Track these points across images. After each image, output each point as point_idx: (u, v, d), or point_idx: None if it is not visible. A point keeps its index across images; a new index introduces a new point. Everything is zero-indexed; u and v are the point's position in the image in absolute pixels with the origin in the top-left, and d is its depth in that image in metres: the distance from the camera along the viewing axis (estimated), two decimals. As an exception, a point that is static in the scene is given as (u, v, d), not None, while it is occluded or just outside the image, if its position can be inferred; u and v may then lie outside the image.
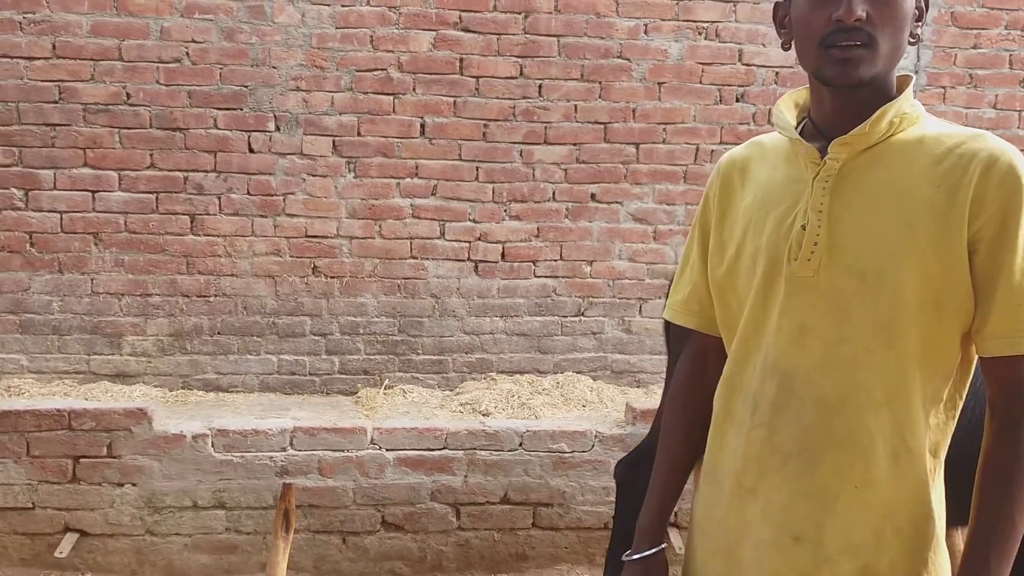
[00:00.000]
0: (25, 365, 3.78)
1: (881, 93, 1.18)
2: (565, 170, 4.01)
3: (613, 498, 2.89)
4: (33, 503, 3.12)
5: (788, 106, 1.29)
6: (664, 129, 4.05)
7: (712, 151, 4.07)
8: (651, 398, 3.67)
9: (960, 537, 2.57)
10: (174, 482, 3.14)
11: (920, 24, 1.21)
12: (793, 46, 1.24)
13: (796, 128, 1.25)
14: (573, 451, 3.31)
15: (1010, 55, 4.20)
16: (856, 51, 1.12)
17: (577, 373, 4.09)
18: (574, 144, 4.00)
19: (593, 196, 4.05)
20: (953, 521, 1.30)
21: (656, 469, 1.42)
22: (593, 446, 3.31)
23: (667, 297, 2.85)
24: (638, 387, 4.08)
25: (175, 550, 3.17)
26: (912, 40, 1.19)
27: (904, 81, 1.23)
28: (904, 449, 1.14)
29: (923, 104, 4.25)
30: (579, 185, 4.03)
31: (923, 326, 1.12)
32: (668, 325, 2.80)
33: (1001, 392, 1.15)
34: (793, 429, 1.17)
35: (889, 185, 1.15)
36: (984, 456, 1.15)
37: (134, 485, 3.14)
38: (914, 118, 1.20)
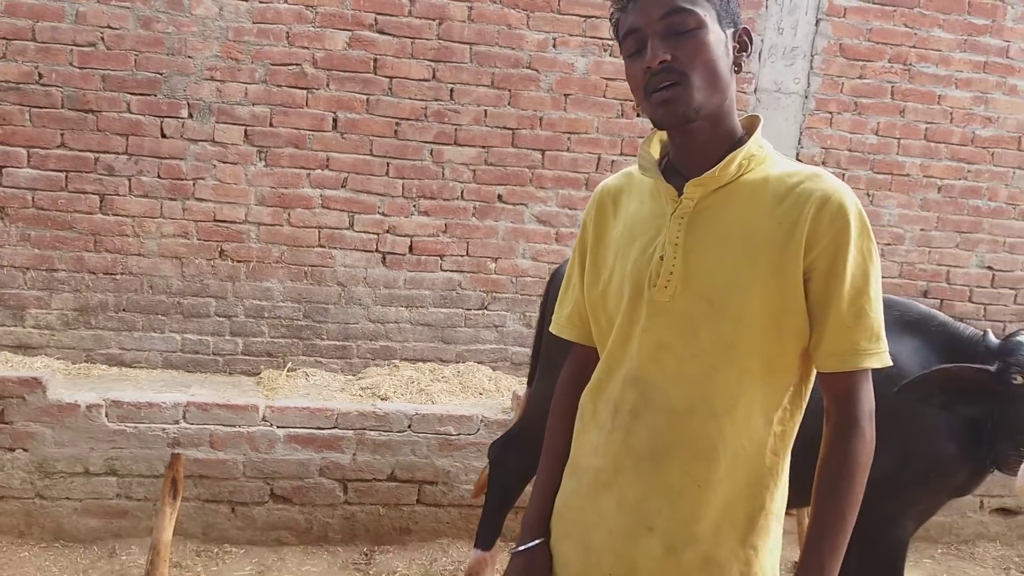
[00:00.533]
0: (-75, 334, 3.84)
1: (723, 131, 1.32)
2: (474, 171, 4.21)
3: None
4: (-78, 465, 3.19)
5: (653, 145, 1.40)
6: (569, 138, 4.28)
7: (613, 161, 4.32)
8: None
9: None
10: (66, 449, 3.23)
11: (746, 54, 1.33)
12: None
13: (660, 164, 1.37)
14: (459, 434, 3.49)
15: (892, 86, 4.54)
16: (672, 91, 1.24)
17: (478, 363, 4.29)
18: (483, 147, 4.20)
19: (500, 197, 4.26)
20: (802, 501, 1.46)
21: (541, 468, 1.53)
22: (479, 430, 3.50)
23: (542, 299, 3.07)
24: (532, 379, 4.29)
25: (64, 513, 3.26)
26: (736, 69, 1.31)
27: (754, 122, 1.35)
28: (743, 453, 1.28)
29: (811, 128, 4.55)
30: (487, 186, 4.23)
31: (764, 347, 1.27)
32: (540, 330, 3.04)
33: (834, 403, 1.30)
34: (647, 433, 1.31)
35: (737, 222, 1.29)
36: (820, 460, 1.30)
37: (25, 451, 3.22)
38: (762, 158, 1.32)
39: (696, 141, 1.31)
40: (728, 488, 1.29)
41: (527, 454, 3.00)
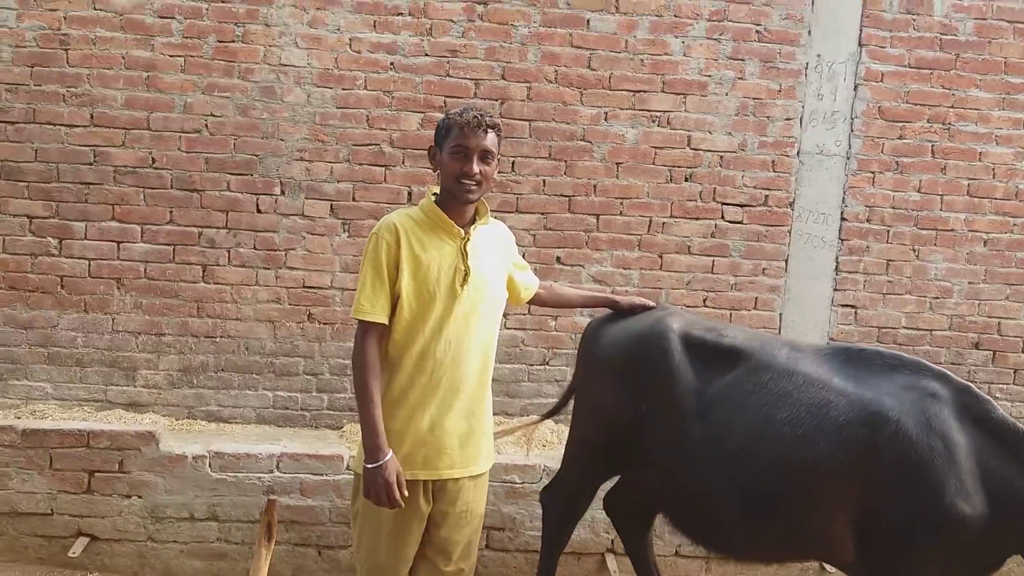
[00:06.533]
0: (50, 392, 4.30)
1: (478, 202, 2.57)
2: (534, 236, 4.54)
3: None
4: (52, 510, 3.60)
5: (433, 208, 2.51)
6: (621, 203, 4.58)
7: (663, 223, 4.59)
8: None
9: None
10: (175, 496, 3.61)
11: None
12: (438, 172, 2.53)
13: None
14: (524, 482, 3.76)
15: (932, 145, 4.72)
16: (475, 188, 2.45)
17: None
18: (542, 213, 4.54)
19: (558, 259, 4.57)
20: None
21: (373, 406, 2.40)
22: (541, 478, 3.76)
23: (578, 353, 3.39)
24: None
25: (172, 555, 3.62)
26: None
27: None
28: (488, 380, 2.57)
29: (854, 187, 4.82)
30: (546, 249, 4.56)
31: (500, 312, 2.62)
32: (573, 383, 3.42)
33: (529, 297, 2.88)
34: (454, 374, 2.46)
35: (488, 249, 2.56)
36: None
37: (140, 497, 3.60)
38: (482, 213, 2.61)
39: (467, 209, 2.52)
40: (484, 398, 2.57)
41: (566, 498, 3.28)
